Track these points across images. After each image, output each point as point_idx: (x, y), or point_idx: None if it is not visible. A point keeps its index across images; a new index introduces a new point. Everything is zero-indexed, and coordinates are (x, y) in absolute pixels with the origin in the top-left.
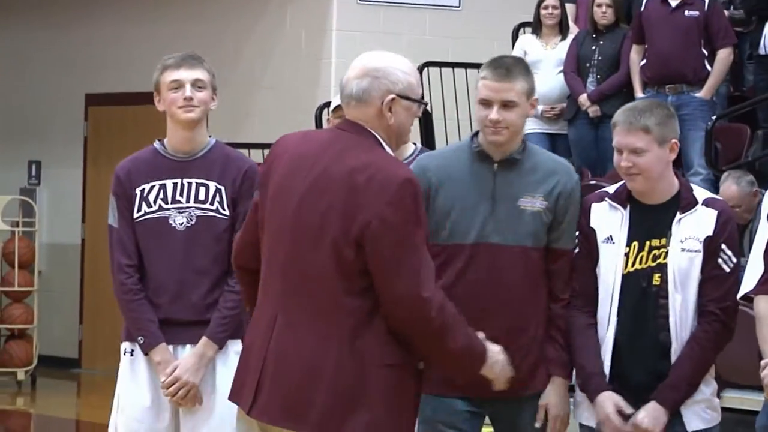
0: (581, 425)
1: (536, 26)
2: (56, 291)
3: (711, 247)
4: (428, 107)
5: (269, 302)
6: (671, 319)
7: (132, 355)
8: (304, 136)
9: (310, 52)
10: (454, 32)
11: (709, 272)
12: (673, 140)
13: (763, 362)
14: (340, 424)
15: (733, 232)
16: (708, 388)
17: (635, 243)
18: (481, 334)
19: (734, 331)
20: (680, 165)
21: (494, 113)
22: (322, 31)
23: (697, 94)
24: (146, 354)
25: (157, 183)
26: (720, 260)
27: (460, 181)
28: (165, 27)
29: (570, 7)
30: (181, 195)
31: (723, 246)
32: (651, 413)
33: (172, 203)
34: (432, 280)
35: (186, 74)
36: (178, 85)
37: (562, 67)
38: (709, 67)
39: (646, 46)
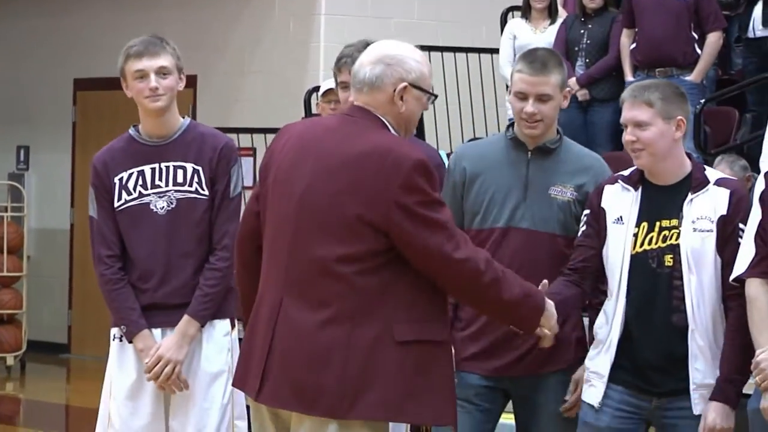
0: (583, 402)
1: (525, 10)
2: (45, 276)
3: (727, 227)
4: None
5: (273, 286)
6: (687, 301)
7: (121, 340)
8: (309, 123)
9: (299, 36)
10: (442, 16)
11: (730, 254)
12: (679, 117)
13: (757, 352)
14: (352, 405)
15: (748, 210)
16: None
17: (645, 223)
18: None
19: None
20: None
21: (530, 106)
22: (310, 15)
23: (687, 78)
24: (130, 342)
25: (135, 170)
26: (740, 239)
27: (495, 168)
28: (153, 13)
29: None
30: (160, 179)
31: (740, 225)
32: (720, 413)
33: (151, 188)
34: (465, 244)
35: (149, 63)
36: (142, 75)
37: None
38: (699, 51)
39: (637, 30)
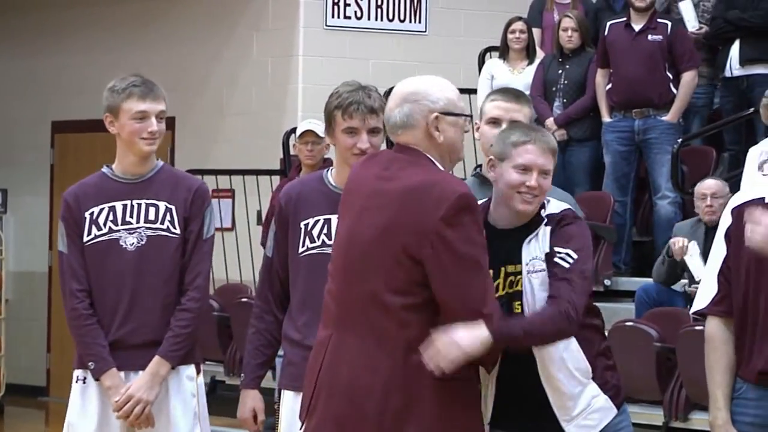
0: None
1: (503, 51)
2: (24, 319)
3: (549, 257)
4: None
5: (326, 325)
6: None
7: (84, 382)
8: (358, 165)
9: (277, 77)
10: (420, 57)
11: (552, 277)
12: None
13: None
14: None
15: (564, 231)
16: (583, 399)
17: (490, 271)
18: None
19: (575, 327)
20: (648, 188)
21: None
22: (288, 56)
23: (664, 118)
24: (97, 379)
25: (106, 206)
26: (557, 259)
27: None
28: (132, 54)
29: (536, 32)
30: (131, 216)
31: (555, 248)
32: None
33: (122, 224)
34: (492, 295)
35: (152, 106)
36: (143, 116)
37: (529, 92)
38: (674, 90)
39: (611, 70)
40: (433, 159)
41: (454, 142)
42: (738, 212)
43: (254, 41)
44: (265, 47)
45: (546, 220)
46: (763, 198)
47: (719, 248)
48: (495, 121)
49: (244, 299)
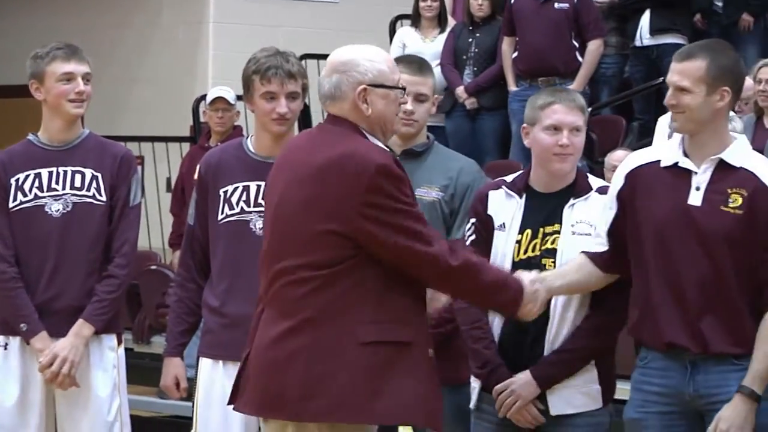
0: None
1: (415, 19)
2: None
3: None
4: (307, 100)
5: (259, 300)
6: (551, 305)
7: (6, 348)
8: (299, 135)
9: (188, 44)
10: (332, 24)
11: None
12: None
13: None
14: (312, 407)
15: None
16: (583, 376)
17: (528, 231)
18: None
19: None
20: None
21: (409, 104)
22: (199, 23)
23: (569, 87)
24: (28, 342)
25: (32, 172)
26: None
27: None
28: (40, 20)
29: (447, 0)
30: (57, 183)
31: None
32: (523, 383)
33: (47, 191)
34: (436, 240)
35: (78, 67)
36: (69, 78)
37: (440, 60)
38: (580, 59)
39: (518, 38)
40: (363, 130)
41: (384, 115)
42: (631, 175)
43: (164, 7)
44: (175, 13)
45: (598, 189)
46: (659, 161)
47: (611, 206)
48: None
49: (153, 267)
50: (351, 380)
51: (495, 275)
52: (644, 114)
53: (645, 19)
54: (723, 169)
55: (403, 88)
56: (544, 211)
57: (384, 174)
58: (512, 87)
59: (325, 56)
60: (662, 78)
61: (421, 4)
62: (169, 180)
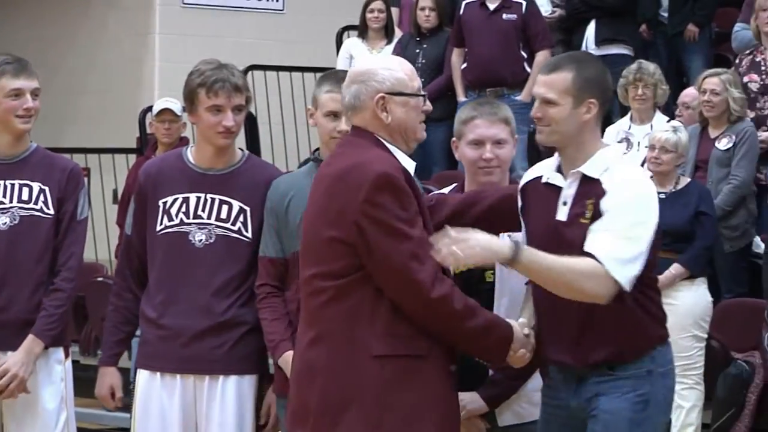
0: None
1: (362, 30)
2: None
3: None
4: (252, 110)
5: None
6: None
7: None
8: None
9: (134, 55)
10: (278, 35)
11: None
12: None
13: None
14: (334, 424)
15: None
16: (529, 386)
17: None
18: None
19: None
20: None
21: (343, 124)
22: (144, 34)
23: (518, 97)
24: None
25: None
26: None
27: (303, 192)
28: None
29: (394, 11)
30: (4, 196)
31: None
32: (470, 400)
33: None
34: (428, 258)
35: (27, 83)
36: (18, 94)
37: None
38: (528, 70)
39: (466, 49)
40: (384, 140)
41: (405, 123)
42: (522, 192)
43: (110, 19)
44: (121, 25)
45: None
46: (540, 177)
47: (521, 226)
48: (334, 114)
49: (99, 279)
50: (364, 397)
51: (482, 319)
52: None
53: (590, 29)
54: (586, 182)
55: (423, 95)
56: None
57: (383, 184)
58: (461, 97)
59: (271, 67)
60: None
61: (368, 15)
62: (115, 191)
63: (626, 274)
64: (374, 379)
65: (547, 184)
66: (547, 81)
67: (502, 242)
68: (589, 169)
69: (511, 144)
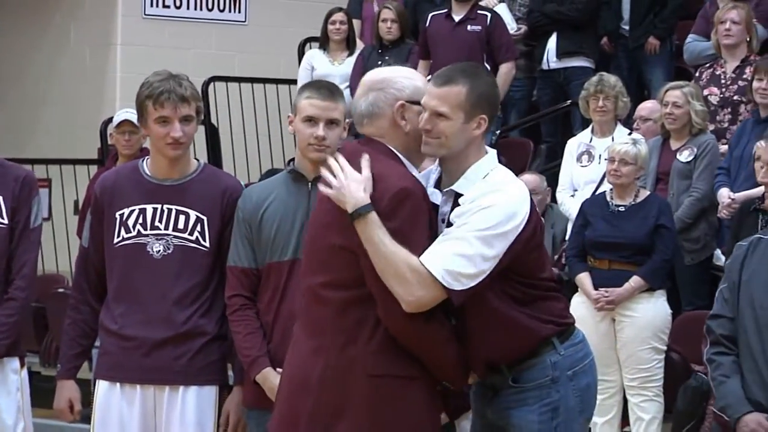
0: None
1: (324, 41)
2: None
3: None
4: (214, 122)
5: (298, 315)
6: None
7: None
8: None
9: (95, 66)
10: (240, 47)
11: None
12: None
13: None
14: None
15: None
16: None
17: None
18: None
19: None
20: None
21: (320, 130)
22: (106, 45)
23: None
24: None
25: None
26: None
27: (279, 202)
28: None
29: (356, 23)
30: None
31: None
32: None
33: None
34: (417, 274)
35: None
36: None
37: (348, 83)
38: None
39: (432, 61)
40: (396, 151)
41: (421, 132)
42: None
43: (72, 30)
44: (83, 36)
45: None
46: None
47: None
48: (311, 120)
49: (60, 290)
50: (355, 413)
51: (455, 349)
52: (552, 137)
53: (552, 42)
54: (458, 199)
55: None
56: None
57: (404, 198)
58: None
59: (233, 78)
60: (569, 101)
61: (330, 26)
62: (76, 202)
63: (453, 282)
64: (367, 397)
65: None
66: (440, 94)
67: (358, 197)
68: (461, 186)
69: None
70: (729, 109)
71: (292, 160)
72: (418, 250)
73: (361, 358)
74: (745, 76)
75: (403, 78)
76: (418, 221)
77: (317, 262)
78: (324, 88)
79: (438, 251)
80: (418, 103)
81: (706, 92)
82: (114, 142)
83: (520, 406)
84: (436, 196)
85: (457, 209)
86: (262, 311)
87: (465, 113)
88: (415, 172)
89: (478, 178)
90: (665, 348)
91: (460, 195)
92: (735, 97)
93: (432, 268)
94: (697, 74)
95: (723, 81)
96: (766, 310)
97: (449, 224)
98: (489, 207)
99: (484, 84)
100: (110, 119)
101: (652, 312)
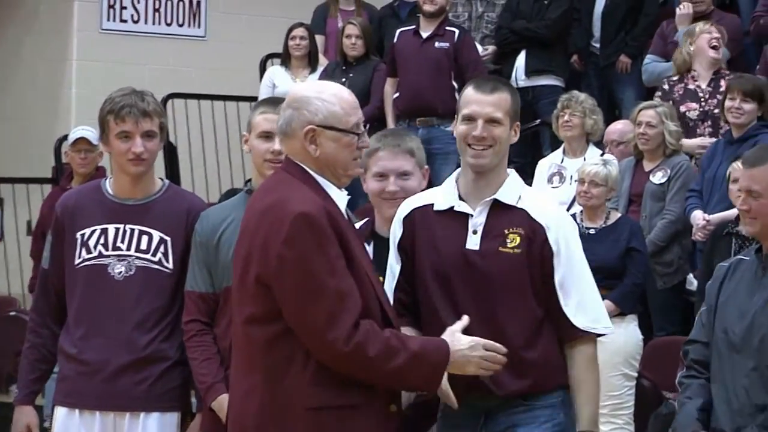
0: None
1: (285, 58)
2: None
3: None
4: (173, 139)
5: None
6: None
7: None
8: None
9: (49, 82)
10: (200, 63)
11: None
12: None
13: None
14: None
15: None
16: None
17: (381, 277)
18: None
19: None
20: None
21: (276, 145)
22: (61, 61)
23: (448, 128)
24: None
25: None
26: None
27: (236, 224)
28: None
29: (319, 39)
30: None
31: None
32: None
33: None
34: (343, 313)
35: None
36: None
37: None
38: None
39: (399, 78)
40: (314, 173)
41: (335, 159)
42: (408, 221)
43: (25, 44)
44: (36, 51)
45: None
46: (432, 204)
47: (394, 261)
48: (267, 135)
49: (12, 313)
50: None
51: (405, 355)
52: (521, 157)
53: (520, 60)
54: (499, 209)
55: (359, 133)
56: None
57: (301, 225)
58: (391, 126)
59: (192, 95)
60: (539, 120)
61: (290, 42)
62: (29, 223)
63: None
64: (305, 429)
65: (447, 212)
66: (493, 101)
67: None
68: (504, 195)
69: (416, 175)
70: (709, 122)
71: (250, 180)
72: (326, 276)
73: (298, 392)
74: (721, 89)
75: (320, 101)
76: (323, 245)
77: (242, 293)
78: (279, 102)
79: (599, 307)
80: (332, 128)
81: (683, 108)
82: (69, 161)
83: (532, 423)
84: (463, 206)
85: (554, 234)
86: (219, 336)
87: (510, 120)
88: (333, 192)
89: (520, 191)
90: (636, 374)
91: (503, 205)
92: (716, 111)
93: (606, 329)
94: (666, 87)
95: (701, 95)
96: (737, 335)
97: (485, 234)
98: (574, 227)
99: (516, 93)
100: (65, 137)
101: (623, 337)
